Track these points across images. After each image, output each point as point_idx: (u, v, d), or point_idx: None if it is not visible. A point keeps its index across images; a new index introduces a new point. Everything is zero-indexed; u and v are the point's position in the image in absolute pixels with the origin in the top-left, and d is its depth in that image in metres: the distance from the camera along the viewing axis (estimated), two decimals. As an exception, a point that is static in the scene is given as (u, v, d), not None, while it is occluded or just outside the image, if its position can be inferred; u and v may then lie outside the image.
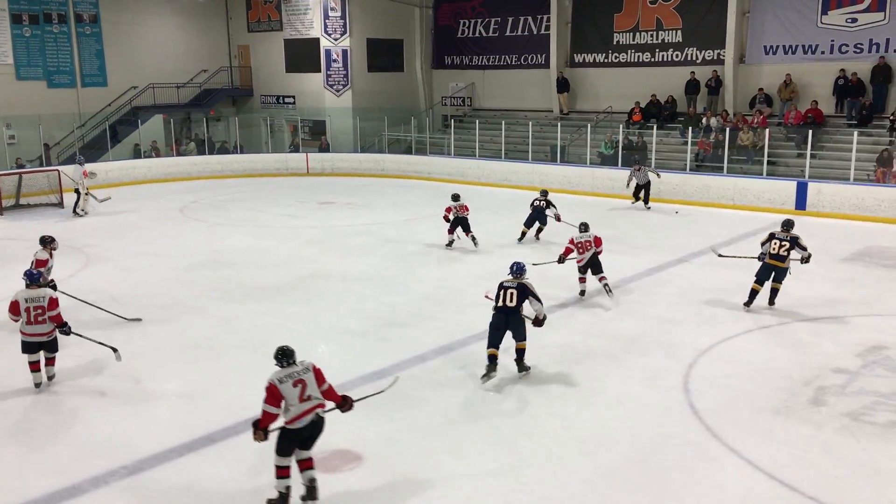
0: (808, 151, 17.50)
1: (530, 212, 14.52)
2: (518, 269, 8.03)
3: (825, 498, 5.65)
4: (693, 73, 21.35)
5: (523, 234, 14.55)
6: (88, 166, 18.26)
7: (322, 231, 15.61)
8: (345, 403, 5.83)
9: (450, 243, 13.97)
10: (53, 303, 7.67)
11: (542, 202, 14.51)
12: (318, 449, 6.33)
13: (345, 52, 26.04)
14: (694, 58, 21.78)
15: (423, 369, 8.25)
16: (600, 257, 10.77)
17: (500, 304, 7.88)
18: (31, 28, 23.46)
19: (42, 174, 19.12)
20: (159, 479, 6.05)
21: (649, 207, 17.86)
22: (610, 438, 6.66)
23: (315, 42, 26.33)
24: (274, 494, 5.61)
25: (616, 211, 17.81)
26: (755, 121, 19.56)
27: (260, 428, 5.43)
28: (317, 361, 8.60)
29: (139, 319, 9.96)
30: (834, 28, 19.32)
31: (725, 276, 11.83)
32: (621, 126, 20.97)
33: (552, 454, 6.40)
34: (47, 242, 9.91)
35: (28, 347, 7.61)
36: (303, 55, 26.69)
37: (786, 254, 9.93)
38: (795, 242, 9.98)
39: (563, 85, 24.05)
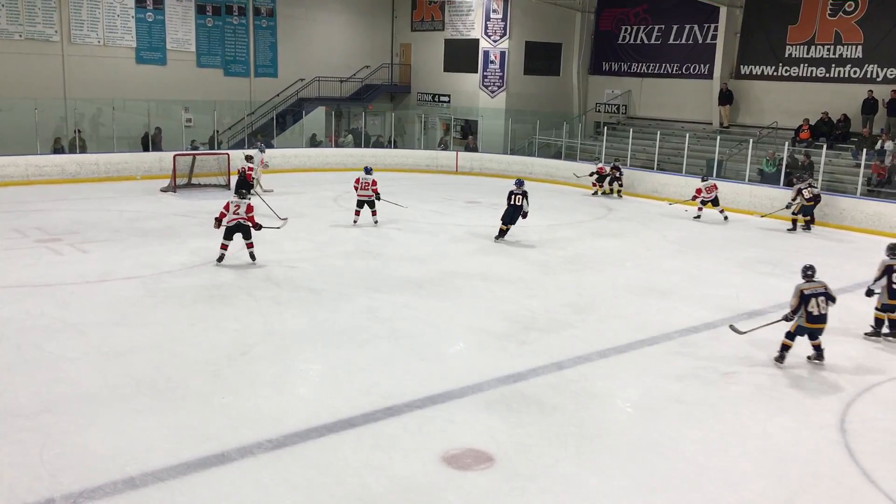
0: None
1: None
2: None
3: None
4: (871, 91, 19.90)
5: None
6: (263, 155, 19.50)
7: (466, 230, 15.77)
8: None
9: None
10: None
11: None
12: (451, 445, 6.45)
13: (503, 53, 26.18)
14: (874, 75, 20.31)
15: (560, 377, 8.17)
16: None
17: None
18: (213, 18, 25.15)
19: (213, 157, 20.41)
20: (301, 456, 6.33)
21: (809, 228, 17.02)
22: (755, 472, 6.34)
23: (475, 43, 26.65)
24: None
25: (772, 232, 16.92)
26: (940, 146, 18.02)
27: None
28: (453, 359, 8.76)
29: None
30: None
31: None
32: (787, 143, 19.89)
33: (688, 481, 6.17)
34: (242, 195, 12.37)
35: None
36: (461, 55, 27.09)
37: None
38: None
39: (725, 97, 23.10)
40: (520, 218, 14.58)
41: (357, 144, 25.89)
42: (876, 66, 20.25)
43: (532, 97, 26.38)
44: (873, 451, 6.75)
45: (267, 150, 20.68)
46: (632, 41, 25.99)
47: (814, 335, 8.67)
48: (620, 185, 21.22)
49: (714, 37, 23.44)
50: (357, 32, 28.31)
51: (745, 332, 9.20)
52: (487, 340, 9.28)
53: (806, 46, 21.58)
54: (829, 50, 21.13)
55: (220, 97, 24.03)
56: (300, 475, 6.03)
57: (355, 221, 15.70)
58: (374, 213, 15.85)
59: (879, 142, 19.01)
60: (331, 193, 19.59)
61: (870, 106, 19.91)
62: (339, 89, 27.15)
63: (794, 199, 17.12)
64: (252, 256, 12.28)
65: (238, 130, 24.69)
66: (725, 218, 17.75)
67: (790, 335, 8.71)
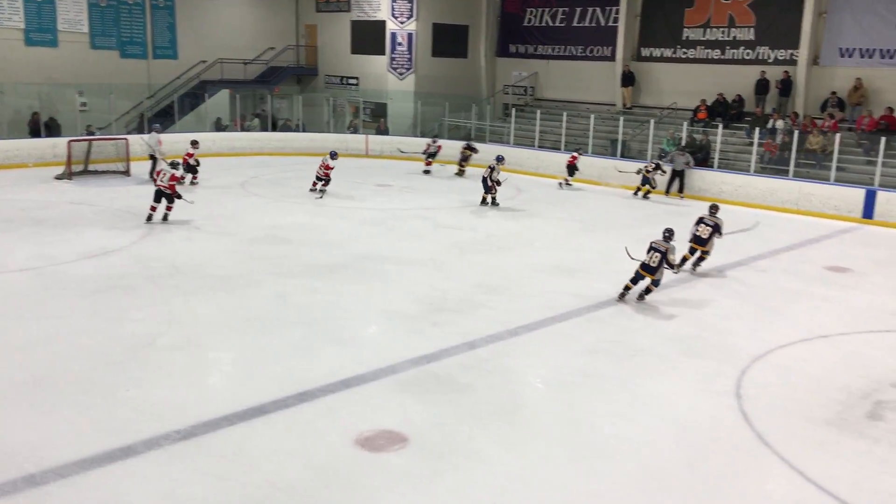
0: (880, 159, 16.95)
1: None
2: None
3: (878, 515, 5.53)
4: (763, 72, 20.82)
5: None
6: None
7: (378, 213, 15.72)
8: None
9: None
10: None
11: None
12: (367, 427, 6.45)
13: (410, 35, 26.09)
14: (765, 57, 21.24)
15: (473, 356, 8.27)
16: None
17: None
18: (106, -2, 24.09)
19: (111, 142, 19.61)
20: (211, 447, 6.21)
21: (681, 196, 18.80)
22: (659, 439, 6.59)
23: (381, 24, 26.45)
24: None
25: (674, 208, 17.53)
26: (826, 125, 19.01)
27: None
28: (366, 342, 8.76)
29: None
30: (915, 33, 18.63)
31: (785, 282, 11.59)
32: (685, 123, 20.60)
33: (598, 450, 6.37)
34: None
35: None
36: (368, 37, 26.85)
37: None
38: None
39: (628, 78, 23.72)
40: (490, 186, 16.65)
41: (264, 128, 25.34)
42: (767, 48, 21.17)
43: (441, 79, 26.40)
44: (767, 414, 7.11)
45: (164, 135, 20.04)
46: (537, 24, 26.32)
47: (635, 279, 10.23)
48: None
49: (616, 20, 24.00)
50: (260, 13, 27.65)
51: (634, 259, 10.38)
52: (400, 323, 9.29)
53: (702, 29, 22.36)
54: (723, 32, 21.95)
55: (116, 80, 23.08)
56: (210, 466, 5.92)
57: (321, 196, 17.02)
58: (317, 188, 17.39)
59: (771, 121, 19.92)
60: (238, 178, 19.16)
61: (762, 86, 20.82)
62: (243, 71, 26.50)
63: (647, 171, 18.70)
64: (165, 217, 13.89)
65: (137, 115, 23.80)
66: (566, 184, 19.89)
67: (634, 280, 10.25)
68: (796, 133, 18.33)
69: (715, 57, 22.22)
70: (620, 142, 21.43)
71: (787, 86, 20.40)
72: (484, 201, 16.94)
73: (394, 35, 26.30)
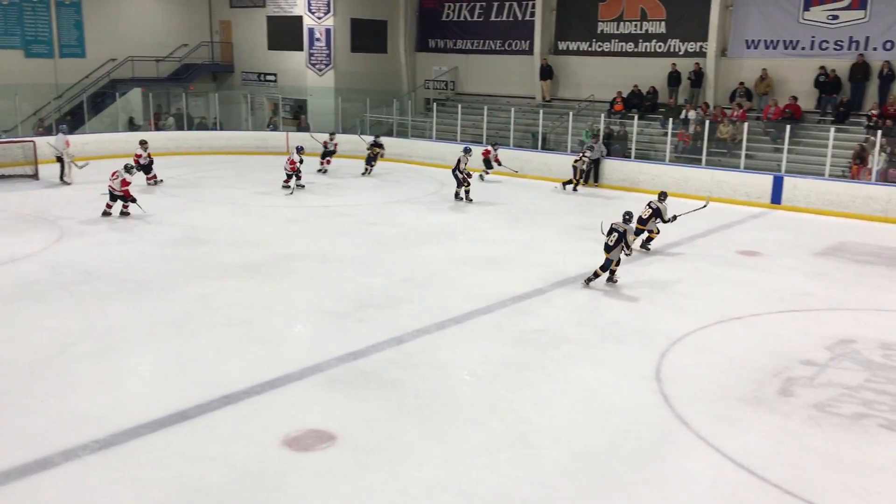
0: (786, 146, 17.68)
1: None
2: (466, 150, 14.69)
3: (791, 486, 5.77)
4: (675, 64, 21.44)
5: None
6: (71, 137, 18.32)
7: (301, 211, 15.54)
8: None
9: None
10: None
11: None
12: (293, 427, 6.40)
13: (328, 31, 25.83)
14: (676, 49, 21.87)
15: (400, 351, 8.28)
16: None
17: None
18: (8, -4, 23.04)
19: (17, 145, 18.80)
20: (131, 455, 6.03)
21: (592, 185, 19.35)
22: (583, 424, 6.74)
23: (298, 20, 26.09)
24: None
25: (596, 199, 17.91)
26: (735, 114, 19.71)
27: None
28: (291, 342, 8.68)
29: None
30: (815, 25, 19.48)
31: (700, 267, 11.99)
32: (603, 115, 21.04)
33: (524, 438, 6.46)
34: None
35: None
36: (285, 33, 26.45)
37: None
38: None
39: (546, 72, 24.06)
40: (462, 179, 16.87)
41: (179, 127, 24.69)
42: (678, 40, 21.81)
43: (361, 75, 26.25)
44: (686, 395, 7.35)
45: (75, 134, 19.37)
46: (456, 18, 26.43)
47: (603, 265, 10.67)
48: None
49: (532, 13, 24.31)
50: (172, 9, 26.89)
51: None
52: (326, 320, 9.22)
53: (616, 23, 22.86)
54: (636, 26, 22.50)
55: (22, 80, 22.10)
56: (132, 474, 5.76)
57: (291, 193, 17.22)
58: (290, 185, 17.55)
59: (684, 111, 20.54)
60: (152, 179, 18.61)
61: (674, 78, 21.44)
62: (155, 69, 25.74)
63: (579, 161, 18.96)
64: (122, 213, 14.36)
65: (45, 116, 22.85)
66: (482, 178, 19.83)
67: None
68: (707, 123, 18.95)
69: (629, 50, 22.75)
70: (541, 134, 21.73)
71: (698, 77, 21.06)
72: (458, 196, 16.98)
73: (311, 30, 26.00)
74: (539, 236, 13.93)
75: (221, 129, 25.36)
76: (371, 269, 11.41)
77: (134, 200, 14.36)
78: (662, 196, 12.95)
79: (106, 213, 14.34)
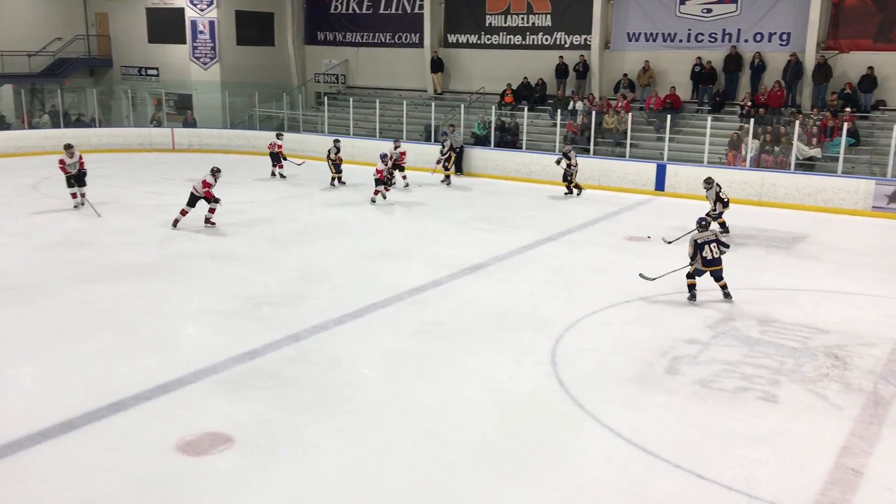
0: (667, 135, 18.44)
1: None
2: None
3: (679, 460, 6.04)
4: (562, 57, 21.98)
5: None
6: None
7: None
8: None
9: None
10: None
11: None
12: (188, 431, 6.23)
13: (212, 23, 25.11)
14: (563, 42, 22.42)
15: (298, 348, 8.17)
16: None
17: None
18: None
19: None
20: (14, 469, 5.72)
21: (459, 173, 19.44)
22: (482, 412, 6.84)
23: (179, 12, 25.25)
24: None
25: (488, 192, 18.18)
26: (619, 105, 20.39)
27: None
28: (184, 344, 8.43)
29: None
30: (691, 18, 20.38)
31: (590, 253, 12.36)
32: (494, 107, 21.34)
33: (425, 429, 6.51)
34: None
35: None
36: (166, 25, 25.55)
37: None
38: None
39: (437, 65, 24.20)
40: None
41: (55, 125, 23.47)
42: (563, 33, 22.37)
43: (248, 69, 25.67)
44: (579, 378, 7.57)
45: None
46: (344, 11, 26.20)
47: (715, 276, 10.01)
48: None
49: (421, 6, 24.38)
50: (44, 1, 25.48)
51: (654, 279, 10.37)
52: (220, 321, 9.00)
53: (503, 16, 23.23)
54: (523, 19, 22.93)
55: None
56: (15, 489, 5.46)
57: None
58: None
59: (571, 103, 21.09)
60: (29, 180, 17.68)
61: (562, 70, 21.98)
62: (27, 64, 24.35)
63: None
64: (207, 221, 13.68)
65: None
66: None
67: (690, 276, 10.06)
68: (594, 114, 19.54)
69: (517, 43, 23.17)
70: (433, 126, 21.85)
71: (583, 69, 21.67)
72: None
73: (194, 23, 25.20)
74: (432, 228, 14.02)
75: (101, 125, 24.26)
76: (266, 267, 11.20)
77: (217, 201, 13.49)
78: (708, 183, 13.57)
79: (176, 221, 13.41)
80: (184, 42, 25.37)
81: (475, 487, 5.68)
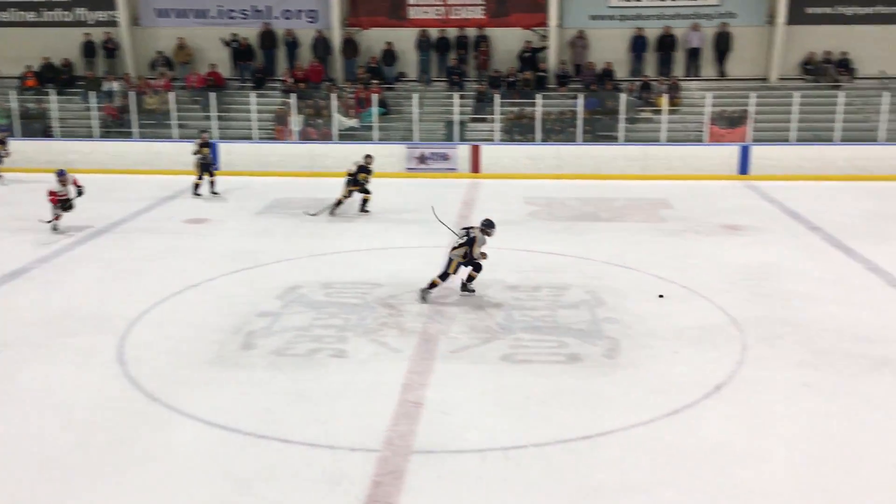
0: (213, 114, 18.31)
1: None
2: None
3: (263, 430, 6.12)
4: (88, 34, 20.33)
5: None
6: None
7: None
8: None
9: None
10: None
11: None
12: None
13: None
14: (86, 19, 20.79)
15: None
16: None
17: None
18: None
19: None
20: None
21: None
22: (45, 428, 6.15)
23: None
24: None
25: (30, 188, 16.16)
26: (158, 84, 19.62)
27: None
28: None
29: None
30: (216, -7, 20.40)
31: (148, 241, 11.82)
32: (13, 92, 18.95)
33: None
34: None
35: None
36: None
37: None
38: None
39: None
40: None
41: None
42: (85, 9, 20.75)
43: None
44: (151, 371, 7.23)
45: None
46: None
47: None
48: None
49: None
50: None
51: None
52: None
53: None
54: (34, -7, 20.63)
55: None
56: None
57: None
58: None
59: (105, 84, 19.69)
60: None
61: (89, 49, 20.44)
62: None
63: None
64: None
65: None
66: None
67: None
68: (133, 94, 18.51)
69: (31, 20, 20.80)
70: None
71: (113, 48, 20.33)
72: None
73: None
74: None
75: None
76: None
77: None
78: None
79: None
80: None
81: (48, 514, 5.12)
